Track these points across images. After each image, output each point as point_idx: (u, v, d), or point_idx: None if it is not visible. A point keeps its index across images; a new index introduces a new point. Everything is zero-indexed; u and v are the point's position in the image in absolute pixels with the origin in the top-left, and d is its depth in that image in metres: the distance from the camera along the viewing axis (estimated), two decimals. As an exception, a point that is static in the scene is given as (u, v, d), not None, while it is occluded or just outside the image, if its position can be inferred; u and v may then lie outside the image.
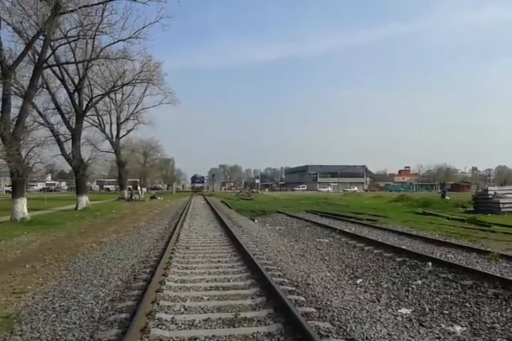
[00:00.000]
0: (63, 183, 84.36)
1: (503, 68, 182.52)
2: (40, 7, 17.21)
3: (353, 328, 4.36)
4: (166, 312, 4.80)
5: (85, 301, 5.38)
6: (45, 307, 5.15)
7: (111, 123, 40.76)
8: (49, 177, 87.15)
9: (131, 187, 46.34)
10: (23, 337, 4.18)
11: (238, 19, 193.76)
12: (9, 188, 38.57)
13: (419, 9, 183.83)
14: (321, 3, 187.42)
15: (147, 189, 61.57)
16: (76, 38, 21.04)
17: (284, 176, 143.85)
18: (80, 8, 17.80)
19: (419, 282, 6.62)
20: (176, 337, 4.08)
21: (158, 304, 5.04)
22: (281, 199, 41.56)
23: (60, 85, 25.49)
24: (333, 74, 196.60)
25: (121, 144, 43.77)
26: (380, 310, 5.06)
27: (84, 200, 24.82)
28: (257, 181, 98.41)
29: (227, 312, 4.86)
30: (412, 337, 4.18)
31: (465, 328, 4.55)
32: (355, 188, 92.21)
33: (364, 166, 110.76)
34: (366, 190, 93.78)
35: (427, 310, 5.20)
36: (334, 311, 4.95)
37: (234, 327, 4.38)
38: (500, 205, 21.27)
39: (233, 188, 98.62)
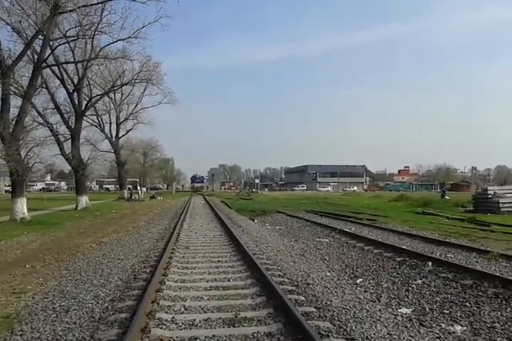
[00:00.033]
0: (63, 183, 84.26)
1: (503, 68, 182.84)
2: (39, 7, 17.18)
3: (353, 328, 4.37)
4: (166, 312, 4.80)
5: (85, 301, 5.38)
6: (45, 307, 5.15)
7: (110, 123, 40.82)
8: (48, 177, 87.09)
9: (130, 187, 46.30)
10: (24, 337, 4.18)
11: (238, 19, 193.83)
12: (9, 188, 38.56)
13: (419, 9, 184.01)
14: (321, 3, 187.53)
15: (147, 189, 61.53)
16: (75, 38, 21.03)
17: (283, 176, 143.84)
18: (79, 7, 17.79)
19: (419, 282, 6.62)
20: (176, 337, 4.08)
21: (158, 304, 5.04)
22: (280, 199, 41.57)
23: (59, 85, 25.51)
24: (333, 74, 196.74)
25: (121, 144, 43.78)
26: (380, 310, 5.06)
27: (83, 200, 24.80)
28: (257, 181, 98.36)
29: (228, 311, 4.86)
30: (412, 337, 4.18)
31: (465, 328, 4.55)
32: (355, 188, 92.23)
33: (364, 166, 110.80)
34: (366, 190, 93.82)
35: (427, 309, 5.21)
36: (334, 311, 4.95)
37: (234, 326, 4.38)
38: (500, 205, 21.29)
39: (233, 188, 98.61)
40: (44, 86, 23.38)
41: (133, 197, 38.05)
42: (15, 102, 18.50)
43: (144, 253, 9.11)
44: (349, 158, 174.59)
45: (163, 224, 15.83)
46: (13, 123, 17.16)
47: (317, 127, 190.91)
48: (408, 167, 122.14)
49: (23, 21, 17.24)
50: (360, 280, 6.82)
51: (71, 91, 25.69)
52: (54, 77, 24.66)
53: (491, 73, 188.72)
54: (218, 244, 10.51)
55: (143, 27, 21.32)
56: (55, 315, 4.82)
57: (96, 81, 30.89)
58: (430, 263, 7.63)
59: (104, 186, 76.44)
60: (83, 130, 28.53)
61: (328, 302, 5.29)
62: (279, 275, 6.87)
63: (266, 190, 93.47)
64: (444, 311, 5.13)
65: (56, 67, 23.80)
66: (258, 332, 4.19)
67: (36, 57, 18.77)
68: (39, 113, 23.24)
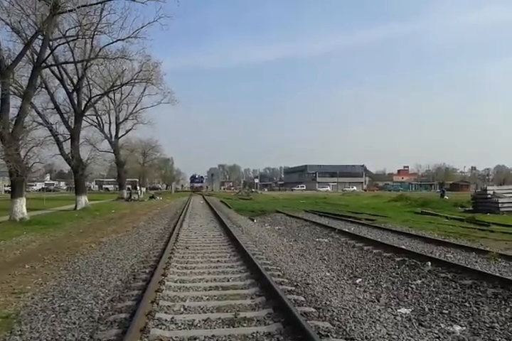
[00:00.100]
0: (62, 183, 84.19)
1: (503, 68, 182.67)
2: (39, 7, 17.18)
3: (353, 328, 4.37)
4: (165, 312, 4.80)
5: (85, 301, 5.37)
6: (45, 308, 5.15)
7: (110, 123, 40.77)
8: (48, 177, 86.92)
9: (130, 187, 46.32)
10: (23, 337, 4.18)
11: (238, 19, 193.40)
12: (8, 188, 38.58)
13: (419, 9, 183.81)
14: (321, 3, 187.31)
15: (146, 189, 61.48)
16: (75, 38, 21.02)
17: (283, 176, 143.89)
18: (78, 7, 17.79)
19: (419, 282, 6.63)
20: (176, 337, 4.08)
21: (157, 304, 5.04)
22: (280, 199, 41.57)
23: (58, 85, 25.49)
24: (333, 74, 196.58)
25: (120, 144, 43.73)
26: (379, 310, 5.06)
27: (83, 200, 24.78)
28: (256, 181, 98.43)
29: (227, 312, 4.86)
30: (411, 337, 4.18)
31: (464, 328, 4.56)
32: (354, 188, 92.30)
33: (363, 166, 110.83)
34: (365, 190, 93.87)
35: (427, 309, 5.21)
36: (334, 311, 4.95)
37: (233, 327, 4.38)
38: (499, 205, 21.31)
39: (232, 188, 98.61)
40: (43, 86, 23.37)
41: (132, 197, 38.04)
42: (14, 102, 18.53)
43: (144, 254, 9.11)
44: (349, 158, 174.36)
45: (163, 224, 15.83)
46: (13, 123, 17.14)
47: (317, 127, 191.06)
48: (407, 167, 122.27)
49: (23, 21, 17.25)
50: (360, 280, 6.82)
51: (70, 91, 25.66)
52: (53, 77, 24.65)
53: (490, 73, 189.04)
54: (218, 244, 10.51)
55: (142, 27, 21.33)
56: (54, 315, 4.82)
57: (95, 81, 30.90)
58: (429, 263, 7.64)
59: (103, 186, 76.43)
60: (83, 130, 28.55)
61: (328, 303, 5.29)
62: (279, 275, 6.88)
63: (265, 189, 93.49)
64: (444, 311, 5.13)
65: (56, 67, 23.77)
66: (257, 332, 4.19)
67: (36, 57, 18.77)
68: (38, 113, 23.23)
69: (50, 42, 19.61)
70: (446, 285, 6.34)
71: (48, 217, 18.79)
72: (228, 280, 6.44)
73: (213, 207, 25.06)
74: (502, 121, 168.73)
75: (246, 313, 4.76)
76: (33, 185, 66.47)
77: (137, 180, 62.15)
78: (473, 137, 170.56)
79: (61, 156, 24.91)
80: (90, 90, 29.97)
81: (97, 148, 33.76)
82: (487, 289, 5.97)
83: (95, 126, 37.00)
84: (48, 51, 19.72)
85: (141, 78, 31.38)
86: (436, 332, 4.40)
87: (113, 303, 5.29)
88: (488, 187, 26.34)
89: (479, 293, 5.84)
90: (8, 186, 44.27)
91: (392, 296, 5.84)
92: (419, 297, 5.79)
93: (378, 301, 5.56)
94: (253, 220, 18.41)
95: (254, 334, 4.14)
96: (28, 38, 17.40)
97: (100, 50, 23.60)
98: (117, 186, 51.07)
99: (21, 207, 16.76)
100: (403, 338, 4.14)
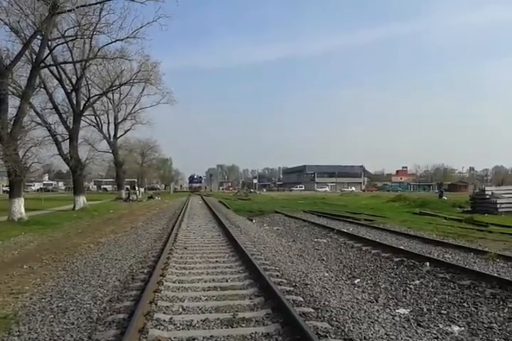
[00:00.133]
0: (60, 183, 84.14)
1: (503, 68, 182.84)
2: (38, 7, 17.16)
3: (351, 328, 4.37)
4: (164, 313, 4.80)
5: (83, 302, 5.37)
6: (43, 308, 5.14)
7: (108, 123, 40.67)
8: (46, 177, 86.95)
9: (128, 187, 46.26)
10: (21, 337, 4.17)
11: (238, 19, 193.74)
12: (6, 188, 38.51)
13: (419, 9, 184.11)
14: (321, 3, 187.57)
15: (145, 189, 61.46)
16: (74, 38, 20.98)
17: (281, 176, 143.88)
18: (77, 7, 17.78)
19: (417, 282, 6.64)
20: (174, 338, 4.08)
21: (156, 304, 5.04)
22: (278, 200, 41.57)
23: (57, 85, 25.43)
24: (333, 74, 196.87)
25: (119, 144, 43.69)
26: (377, 310, 5.07)
27: (81, 200, 24.76)
28: (255, 181, 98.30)
29: (226, 312, 4.86)
30: (409, 337, 4.19)
31: (463, 328, 4.56)
32: (353, 188, 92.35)
33: (362, 166, 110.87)
34: (364, 190, 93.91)
35: (425, 310, 5.22)
36: (332, 311, 4.95)
37: (232, 327, 4.38)
38: (498, 205, 21.33)
39: (231, 188, 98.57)
40: (42, 86, 23.33)
41: (131, 198, 38.01)
42: (13, 102, 18.51)
43: (142, 254, 9.10)
44: (348, 158, 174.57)
45: (161, 225, 15.81)
46: (11, 123, 17.12)
47: (317, 127, 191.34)
48: (406, 167, 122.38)
49: (22, 21, 17.23)
50: (358, 280, 6.83)
51: (69, 91, 25.63)
52: (52, 77, 24.60)
53: (490, 73, 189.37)
54: (216, 244, 10.50)
55: (141, 27, 21.29)
56: (52, 316, 4.82)
57: (94, 81, 30.86)
58: (428, 264, 7.65)
59: (102, 186, 76.35)
60: (81, 130, 28.50)
61: (326, 303, 5.29)
62: (277, 275, 6.88)
63: (264, 190, 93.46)
64: (442, 311, 5.14)
65: (54, 67, 23.72)
66: (256, 332, 4.19)
67: (34, 57, 18.75)
68: (37, 113, 23.18)
69: (49, 42, 19.60)
70: (445, 286, 6.35)
71: (46, 217, 18.76)
72: (227, 281, 6.44)
73: (212, 208, 25.05)
74: (502, 121, 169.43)
75: (244, 314, 4.76)
76: (31, 185, 66.43)
77: (136, 180, 62.17)
78: (473, 137, 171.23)
79: (60, 156, 24.90)
80: (89, 90, 29.92)
81: (96, 148, 33.83)
82: (485, 289, 5.98)
83: (94, 126, 37.01)
84: (47, 51, 19.72)
85: (140, 78, 31.36)
86: (435, 332, 4.40)
87: (111, 304, 5.28)
88: (487, 188, 26.39)
89: (477, 294, 5.85)
90: (6, 186, 44.19)
91: (390, 296, 5.84)
92: (418, 297, 5.80)
93: (377, 301, 5.56)
94: (252, 220, 18.40)
95: (253, 335, 4.14)
96: (27, 38, 17.38)
97: (99, 50, 23.55)
98: (116, 186, 51.01)
99: (19, 207, 16.73)
100: (401, 338, 4.14)
